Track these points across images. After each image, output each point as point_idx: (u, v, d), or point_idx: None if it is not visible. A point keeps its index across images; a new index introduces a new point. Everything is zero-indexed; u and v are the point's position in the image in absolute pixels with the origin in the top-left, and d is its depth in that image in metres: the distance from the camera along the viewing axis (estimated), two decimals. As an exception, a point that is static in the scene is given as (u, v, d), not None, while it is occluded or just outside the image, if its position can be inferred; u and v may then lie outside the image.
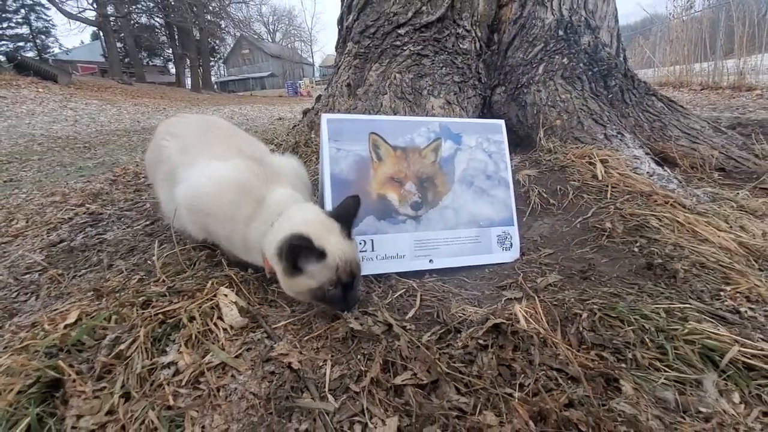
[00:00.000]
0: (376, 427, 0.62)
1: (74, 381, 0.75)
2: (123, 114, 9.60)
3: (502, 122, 1.28)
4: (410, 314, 0.93)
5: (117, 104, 11.30)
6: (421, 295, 1.00)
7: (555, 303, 0.90)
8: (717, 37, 8.67)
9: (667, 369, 0.71)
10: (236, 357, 0.83)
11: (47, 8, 25.29)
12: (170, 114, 9.86)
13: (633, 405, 0.60)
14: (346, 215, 0.96)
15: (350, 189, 1.10)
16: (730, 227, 1.23)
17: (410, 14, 2.39)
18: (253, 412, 0.70)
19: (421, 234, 1.13)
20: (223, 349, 0.85)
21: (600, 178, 1.53)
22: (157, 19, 25.82)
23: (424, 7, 2.39)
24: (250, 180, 1.02)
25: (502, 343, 0.76)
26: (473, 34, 2.42)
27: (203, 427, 0.68)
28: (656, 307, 0.85)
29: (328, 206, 1.06)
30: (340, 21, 2.82)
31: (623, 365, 0.71)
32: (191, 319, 0.93)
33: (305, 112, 2.66)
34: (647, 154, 1.81)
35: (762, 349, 0.72)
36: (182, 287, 1.04)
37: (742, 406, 0.64)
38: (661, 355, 0.73)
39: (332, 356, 0.81)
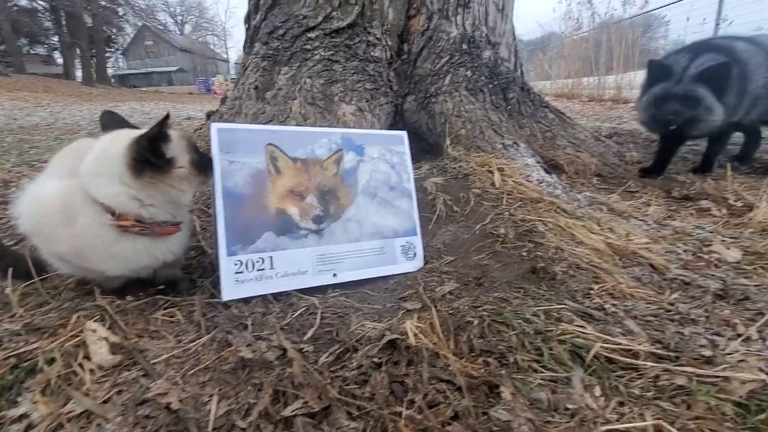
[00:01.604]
0: (259, 468, 0.58)
1: None
2: (-6, 109, 8.16)
3: (404, 133, 1.31)
4: (309, 334, 0.89)
5: (-15, 97, 9.59)
6: (321, 313, 0.97)
7: (451, 312, 0.94)
8: (600, 55, 9.96)
9: (543, 369, 0.77)
10: (104, 402, 0.73)
11: None
12: (55, 110, 8.60)
13: (509, 411, 0.64)
14: (123, 123, 1.02)
15: (246, 204, 1.03)
16: (602, 229, 1.40)
17: (320, 18, 2.36)
18: (120, 466, 0.62)
19: (324, 248, 1.10)
20: (88, 395, 0.74)
21: (497, 185, 1.64)
22: (41, 2, 22.39)
23: (334, 13, 2.37)
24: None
25: (397, 359, 0.76)
26: (384, 43, 2.46)
27: (53, 494, 0.58)
28: (537, 310, 0.93)
29: (221, 224, 0.99)
30: (247, 20, 2.69)
31: (505, 370, 0.75)
32: (51, 361, 0.80)
33: (209, 115, 2.49)
34: (538, 162, 1.98)
35: (619, 344, 0.82)
36: (42, 323, 0.89)
37: (602, 398, 0.71)
38: (539, 357, 0.79)
39: (220, 390, 0.75)
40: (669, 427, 0.63)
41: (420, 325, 0.83)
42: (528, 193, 1.58)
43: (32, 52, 28.88)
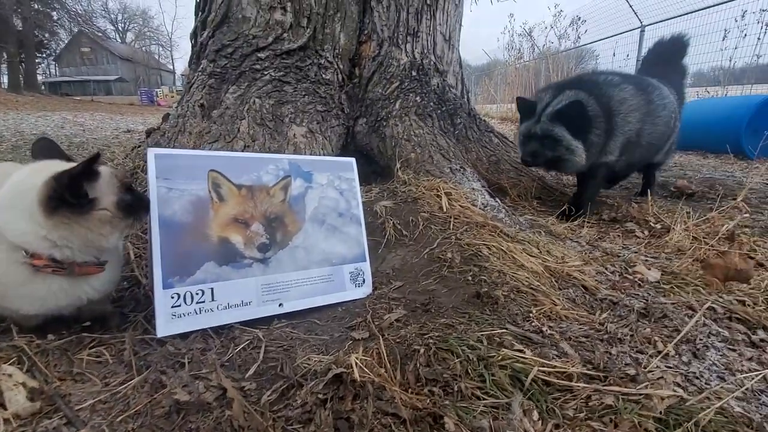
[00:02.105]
0: None
1: None
2: None
3: (352, 160, 1.32)
4: (251, 371, 0.86)
5: None
6: (266, 346, 0.94)
7: (398, 341, 0.94)
8: (540, 82, 10.76)
9: (485, 396, 0.79)
10: (14, 460, 0.65)
11: None
12: (-29, 119, 7.74)
13: (452, 443, 0.65)
14: (57, 153, 0.96)
15: (185, 233, 0.98)
16: (540, 252, 1.48)
17: (270, 39, 2.34)
18: None
19: (270, 277, 1.07)
20: (-3, 452, 0.66)
21: (445, 210, 1.69)
22: (-39, 1, 20.29)
23: (285, 34, 2.37)
24: None
25: (343, 394, 0.75)
26: (335, 66, 2.49)
27: None
28: (480, 335, 0.95)
29: (157, 255, 0.93)
30: (194, 36, 2.62)
31: (449, 399, 0.77)
32: (-49, 415, 0.70)
33: (149, 133, 2.36)
34: (483, 186, 2.08)
35: (555, 367, 0.86)
36: (-60, 371, 0.78)
37: (540, 422, 0.74)
38: (481, 384, 0.81)
39: (151, 438, 0.70)
40: (598, 449, 0.67)
41: (366, 357, 0.83)
42: (474, 217, 1.64)
43: (-54, 53, 26.01)
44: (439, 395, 0.77)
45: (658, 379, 0.86)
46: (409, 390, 0.79)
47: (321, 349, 0.94)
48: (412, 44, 2.63)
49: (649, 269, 1.44)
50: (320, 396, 0.74)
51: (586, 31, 9.47)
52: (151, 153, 0.98)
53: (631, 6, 7.87)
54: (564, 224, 2.00)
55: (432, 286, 1.23)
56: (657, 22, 7.45)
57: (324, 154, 2.22)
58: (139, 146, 2.31)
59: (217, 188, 1.05)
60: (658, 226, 1.95)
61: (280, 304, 1.08)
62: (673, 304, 1.23)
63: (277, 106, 2.22)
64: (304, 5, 2.37)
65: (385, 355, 0.88)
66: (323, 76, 2.43)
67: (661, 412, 0.78)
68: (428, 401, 0.74)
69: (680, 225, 1.84)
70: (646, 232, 1.93)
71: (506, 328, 1.00)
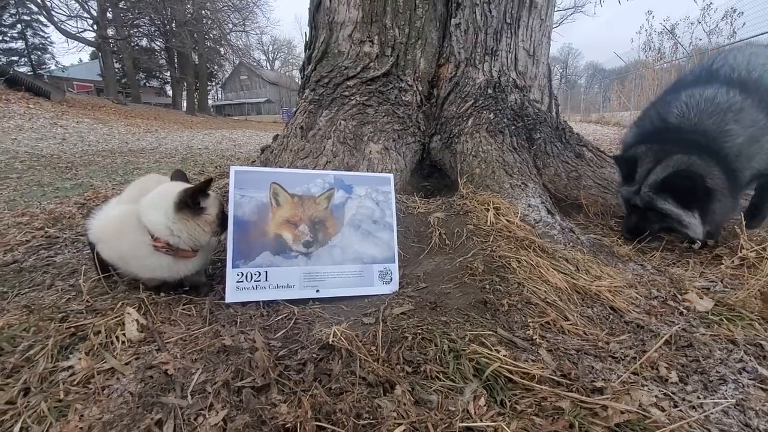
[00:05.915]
0: (207, 417, 0.83)
1: (-15, 377, 0.95)
2: (113, 134, 9.83)
3: (390, 176, 1.54)
4: (280, 334, 1.14)
5: (109, 123, 11.58)
6: (296, 319, 1.21)
7: (395, 328, 1.12)
8: (684, 86, 9.31)
9: (445, 379, 0.93)
10: (125, 364, 1.03)
11: (45, 25, 25.79)
12: (161, 136, 10.13)
13: (391, 401, 0.82)
14: (185, 179, 1.39)
15: (251, 229, 1.33)
16: (577, 270, 1.48)
17: (359, 68, 2.70)
18: (125, 405, 0.90)
19: (311, 268, 1.36)
20: (115, 357, 1.05)
21: (489, 223, 1.78)
22: (158, 43, 26.67)
23: (371, 63, 2.70)
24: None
25: (331, 357, 0.98)
26: (415, 88, 2.74)
27: (82, 416, 0.88)
28: (467, 333, 1.08)
29: (230, 243, 1.29)
30: (302, 69, 3.14)
31: (413, 376, 0.93)
32: (97, 332, 1.13)
33: (263, 150, 2.92)
34: (543, 203, 2.07)
35: (521, 367, 0.95)
36: (99, 307, 1.24)
37: (485, 408, 0.85)
38: (445, 369, 0.95)
39: (204, 365, 1.02)
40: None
41: (347, 331, 1.04)
42: (516, 231, 1.70)
43: (148, 84, 34.34)
44: (408, 372, 0.94)
45: (624, 395, 0.87)
46: (386, 364, 0.97)
47: (333, 326, 1.18)
48: (490, 63, 2.72)
49: (702, 298, 1.33)
50: (314, 355, 0.98)
51: (744, 24, 7.94)
52: (233, 170, 1.35)
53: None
54: (631, 245, 1.88)
55: (449, 290, 1.37)
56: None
57: (396, 169, 2.47)
58: (254, 162, 2.87)
59: (275, 196, 1.37)
60: (752, 254, 1.70)
61: (317, 290, 1.35)
62: (713, 335, 1.15)
63: (358, 127, 2.56)
64: (389, 36, 2.68)
65: (380, 337, 1.07)
66: (402, 98, 2.70)
67: (617, 425, 0.82)
68: (392, 373, 0.92)
69: (777, 255, 1.59)
70: (736, 261, 1.70)
71: (495, 332, 1.10)
